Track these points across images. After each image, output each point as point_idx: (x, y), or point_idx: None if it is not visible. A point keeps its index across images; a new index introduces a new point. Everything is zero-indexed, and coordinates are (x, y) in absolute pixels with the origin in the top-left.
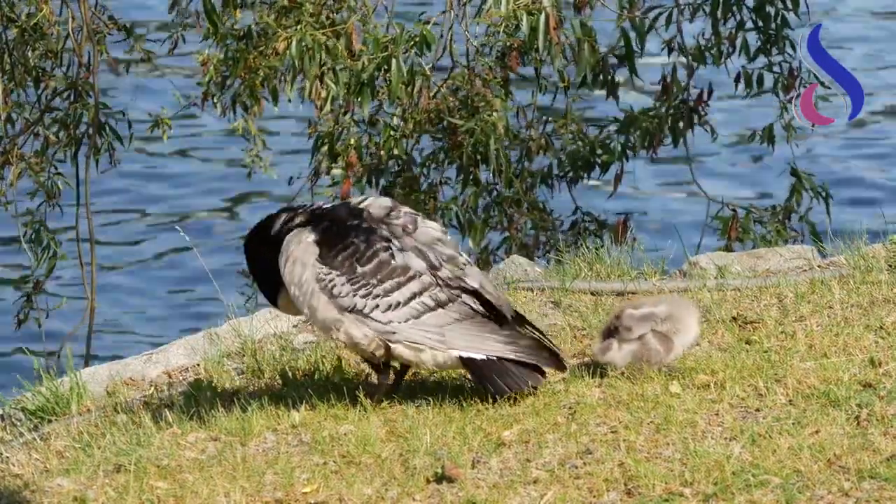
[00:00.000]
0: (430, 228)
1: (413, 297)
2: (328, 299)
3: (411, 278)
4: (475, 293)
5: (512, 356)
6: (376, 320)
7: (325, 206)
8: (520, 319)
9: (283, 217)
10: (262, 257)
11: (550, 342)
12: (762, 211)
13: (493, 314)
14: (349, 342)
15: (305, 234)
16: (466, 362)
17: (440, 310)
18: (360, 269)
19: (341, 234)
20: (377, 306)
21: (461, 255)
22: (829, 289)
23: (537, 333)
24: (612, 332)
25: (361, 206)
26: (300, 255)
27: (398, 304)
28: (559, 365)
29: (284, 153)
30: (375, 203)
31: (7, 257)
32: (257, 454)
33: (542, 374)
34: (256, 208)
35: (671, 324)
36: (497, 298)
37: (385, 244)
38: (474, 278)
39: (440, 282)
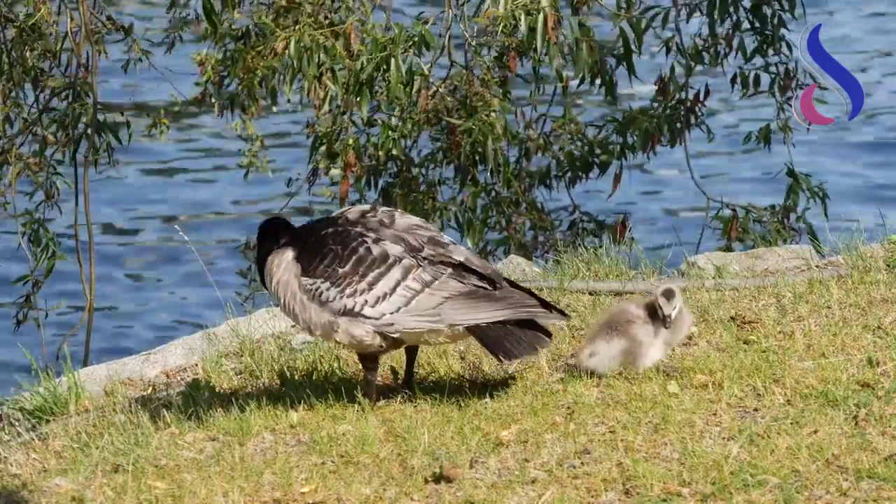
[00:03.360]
0: (408, 218)
1: (398, 284)
2: (319, 307)
3: (391, 265)
4: (461, 266)
5: (511, 316)
6: (369, 317)
7: (305, 224)
8: (511, 284)
9: (268, 242)
10: None
11: (543, 300)
12: (762, 210)
13: (485, 282)
14: (352, 342)
15: (285, 252)
16: (472, 330)
17: (427, 290)
18: (341, 271)
19: (318, 244)
20: (366, 302)
21: (443, 236)
22: (828, 289)
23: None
24: (598, 335)
25: (339, 214)
26: (282, 273)
27: (385, 295)
28: (560, 313)
29: (284, 154)
30: (353, 209)
31: (6, 257)
32: (255, 454)
33: (548, 335)
34: (255, 208)
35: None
36: (484, 268)
37: (360, 240)
38: (459, 253)
39: (421, 261)
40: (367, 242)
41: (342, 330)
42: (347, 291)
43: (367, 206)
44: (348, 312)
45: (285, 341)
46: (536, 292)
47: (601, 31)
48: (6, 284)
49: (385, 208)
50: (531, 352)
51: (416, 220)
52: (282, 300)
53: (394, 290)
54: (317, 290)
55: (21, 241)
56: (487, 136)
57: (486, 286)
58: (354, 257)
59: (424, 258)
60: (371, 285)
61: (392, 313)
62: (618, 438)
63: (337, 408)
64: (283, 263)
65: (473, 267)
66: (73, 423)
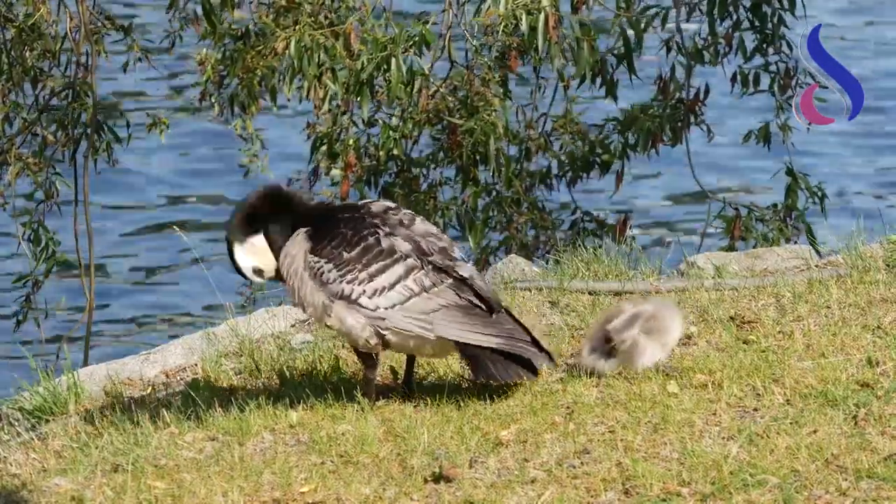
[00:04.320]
0: (427, 226)
1: (398, 280)
2: (319, 287)
3: (396, 261)
4: (464, 281)
5: (500, 346)
6: (364, 307)
7: (327, 205)
8: (508, 315)
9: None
10: None
11: (536, 338)
12: (764, 210)
13: (483, 304)
14: (342, 329)
15: (300, 231)
16: (460, 347)
17: (425, 294)
18: (346, 256)
19: (332, 226)
20: (364, 292)
21: (455, 251)
22: (827, 288)
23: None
24: (599, 342)
25: (363, 204)
26: (293, 249)
27: (383, 288)
28: (548, 358)
29: (284, 154)
30: (378, 203)
31: (6, 257)
32: (255, 454)
33: (535, 372)
34: None
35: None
36: (486, 291)
37: (372, 230)
38: (465, 270)
39: (426, 265)
40: (378, 234)
41: (335, 314)
42: (348, 277)
43: (391, 204)
44: (345, 298)
45: (285, 341)
46: (536, 292)
47: (602, 31)
48: (6, 284)
49: (408, 211)
50: (515, 378)
51: (434, 229)
52: (286, 274)
53: (393, 285)
54: (319, 269)
55: (21, 241)
56: (489, 135)
57: (483, 307)
58: (362, 245)
59: (429, 263)
60: (372, 276)
61: (386, 308)
62: (617, 438)
63: (336, 407)
64: (297, 239)
65: (475, 286)
66: (73, 423)
